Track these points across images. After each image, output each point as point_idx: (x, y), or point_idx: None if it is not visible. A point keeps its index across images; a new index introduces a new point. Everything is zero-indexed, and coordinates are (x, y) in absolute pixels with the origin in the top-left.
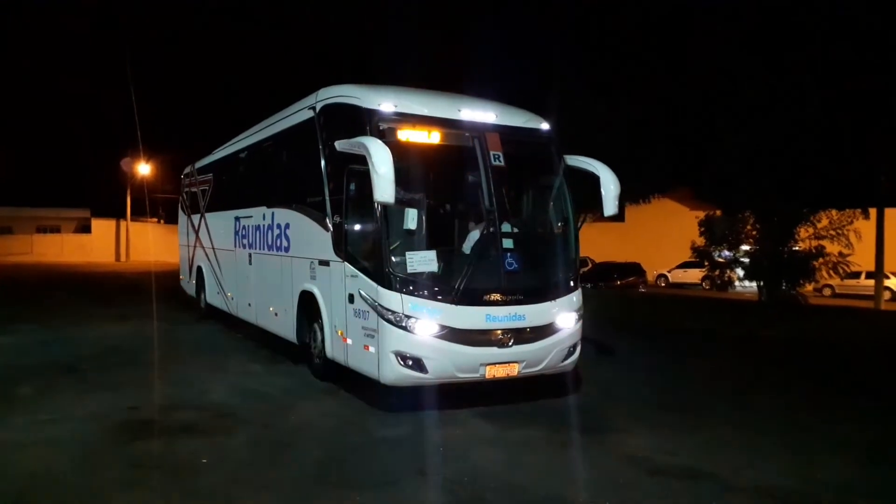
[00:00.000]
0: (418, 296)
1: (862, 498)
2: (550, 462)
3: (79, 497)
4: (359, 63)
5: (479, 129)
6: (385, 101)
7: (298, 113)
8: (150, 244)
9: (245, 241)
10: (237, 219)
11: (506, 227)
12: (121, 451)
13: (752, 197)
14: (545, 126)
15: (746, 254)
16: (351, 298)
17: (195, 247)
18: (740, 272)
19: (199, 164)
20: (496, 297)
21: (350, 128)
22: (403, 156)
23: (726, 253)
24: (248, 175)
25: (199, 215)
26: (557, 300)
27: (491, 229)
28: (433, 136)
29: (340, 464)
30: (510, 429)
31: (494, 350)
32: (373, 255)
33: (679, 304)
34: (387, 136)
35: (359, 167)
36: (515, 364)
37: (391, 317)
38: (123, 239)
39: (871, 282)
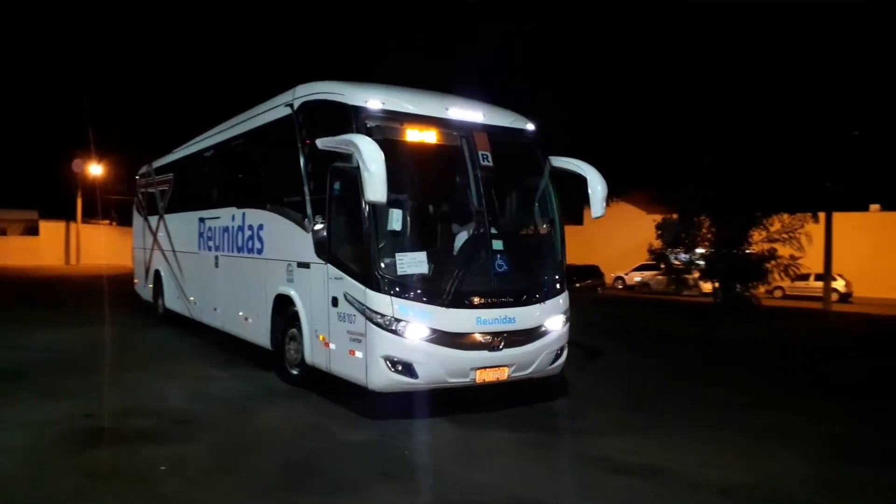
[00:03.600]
0: (408, 298)
1: (821, 493)
2: (516, 464)
3: None
4: (321, 64)
5: (467, 129)
6: (372, 98)
7: (273, 110)
8: (101, 247)
9: (211, 244)
10: (202, 220)
11: (495, 229)
12: (75, 459)
13: (704, 203)
14: (531, 127)
15: (702, 256)
16: (335, 302)
17: (153, 250)
18: (696, 274)
19: (157, 164)
20: (487, 299)
21: (334, 125)
22: (391, 154)
23: (682, 255)
24: (215, 174)
25: (157, 217)
26: (547, 302)
27: (481, 230)
28: (421, 135)
29: (305, 469)
30: (477, 431)
31: (485, 353)
32: (360, 257)
33: (635, 306)
34: (374, 134)
35: (344, 165)
36: (505, 368)
37: (380, 320)
38: (74, 241)
39: (820, 283)
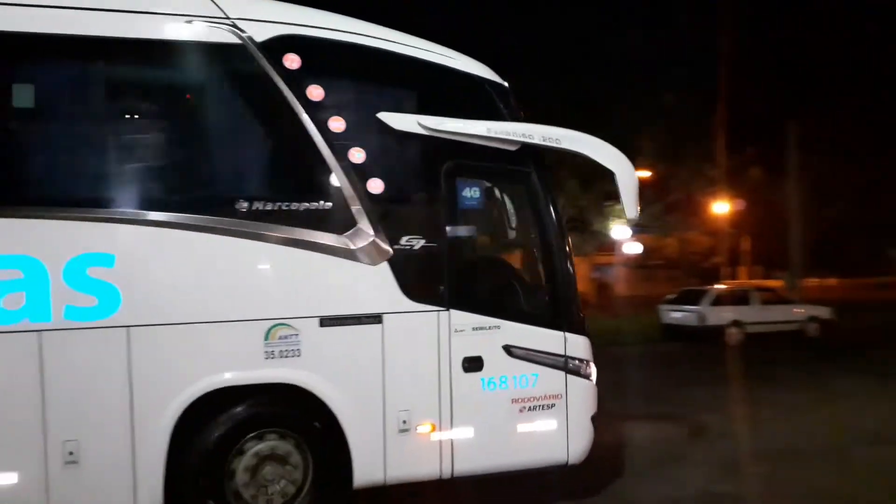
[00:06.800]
0: (587, 333)
1: None
2: None
3: None
4: None
5: None
6: (491, 73)
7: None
8: None
9: None
10: None
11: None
12: None
13: None
14: None
15: None
16: (472, 365)
17: None
18: None
19: None
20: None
21: (417, 101)
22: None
23: None
24: None
25: None
26: None
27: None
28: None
29: None
30: None
31: None
32: (549, 292)
33: None
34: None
35: (510, 168)
36: None
37: (583, 369)
38: None
39: None
